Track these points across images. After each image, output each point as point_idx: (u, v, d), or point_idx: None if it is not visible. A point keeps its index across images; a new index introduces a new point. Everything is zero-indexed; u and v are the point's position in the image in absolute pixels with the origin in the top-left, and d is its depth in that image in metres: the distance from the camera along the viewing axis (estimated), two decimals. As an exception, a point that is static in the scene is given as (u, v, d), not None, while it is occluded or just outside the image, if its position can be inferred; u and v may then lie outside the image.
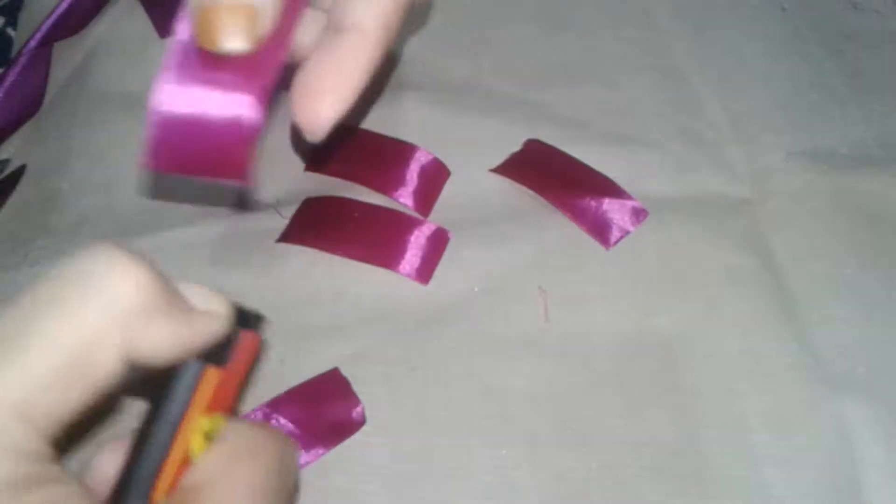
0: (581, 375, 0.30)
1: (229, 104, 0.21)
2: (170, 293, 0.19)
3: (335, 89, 0.23)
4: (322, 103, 0.23)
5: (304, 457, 0.28)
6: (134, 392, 0.29)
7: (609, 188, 0.34)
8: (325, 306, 0.31)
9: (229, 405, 0.22)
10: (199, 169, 0.22)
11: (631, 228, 0.33)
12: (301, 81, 0.24)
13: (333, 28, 0.24)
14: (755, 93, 0.38)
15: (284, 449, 0.21)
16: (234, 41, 0.22)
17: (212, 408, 0.21)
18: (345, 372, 0.30)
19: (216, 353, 0.21)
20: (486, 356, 0.30)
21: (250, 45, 0.22)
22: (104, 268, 0.18)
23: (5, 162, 0.37)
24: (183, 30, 0.23)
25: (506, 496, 0.27)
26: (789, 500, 0.27)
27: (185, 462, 0.20)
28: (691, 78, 0.39)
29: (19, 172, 0.36)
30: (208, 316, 0.20)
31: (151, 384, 0.21)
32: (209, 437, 0.21)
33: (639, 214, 0.33)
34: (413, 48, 0.40)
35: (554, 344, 0.31)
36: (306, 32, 0.25)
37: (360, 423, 0.29)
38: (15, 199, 0.36)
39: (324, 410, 0.29)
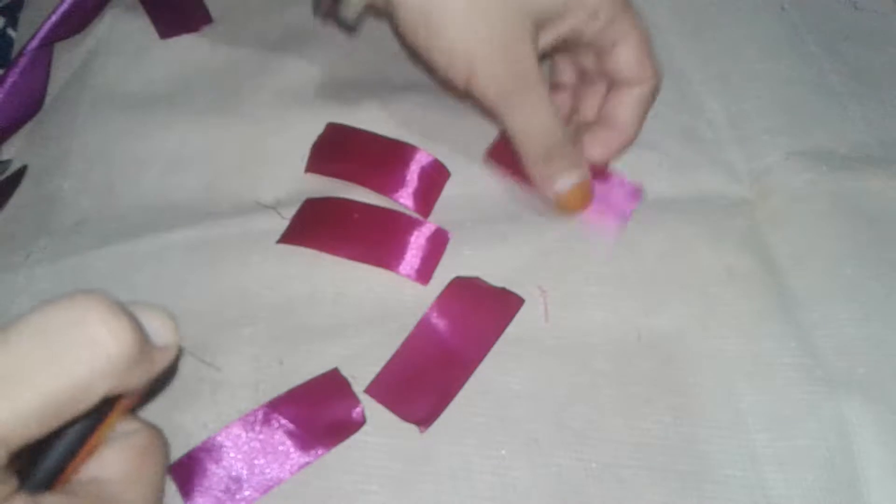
0: (581, 375, 0.30)
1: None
2: (143, 340, 0.21)
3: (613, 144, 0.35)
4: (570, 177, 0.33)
5: (303, 457, 0.28)
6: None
7: (602, 172, 0.35)
8: (325, 306, 0.31)
9: (138, 399, 0.24)
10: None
11: (630, 210, 0.34)
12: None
13: (602, 120, 0.35)
14: (755, 93, 0.38)
15: (166, 446, 0.25)
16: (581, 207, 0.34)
17: (131, 404, 0.23)
18: (345, 372, 0.30)
19: None
20: (486, 356, 0.30)
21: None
22: (93, 323, 0.20)
23: (7, 163, 0.37)
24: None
25: (506, 496, 0.27)
26: (789, 500, 0.27)
27: (97, 447, 0.22)
28: (691, 78, 0.39)
29: (20, 173, 0.36)
30: (165, 350, 0.22)
31: None
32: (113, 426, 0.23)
33: (636, 195, 0.34)
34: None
35: (554, 344, 0.31)
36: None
37: (360, 423, 0.29)
38: (16, 199, 0.36)
39: (324, 410, 0.29)
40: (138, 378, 0.21)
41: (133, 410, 0.25)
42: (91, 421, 0.22)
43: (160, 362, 0.22)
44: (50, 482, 0.21)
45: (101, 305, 0.20)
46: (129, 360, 0.20)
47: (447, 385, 0.29)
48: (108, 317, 0.20)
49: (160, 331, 0.22)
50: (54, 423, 0.19)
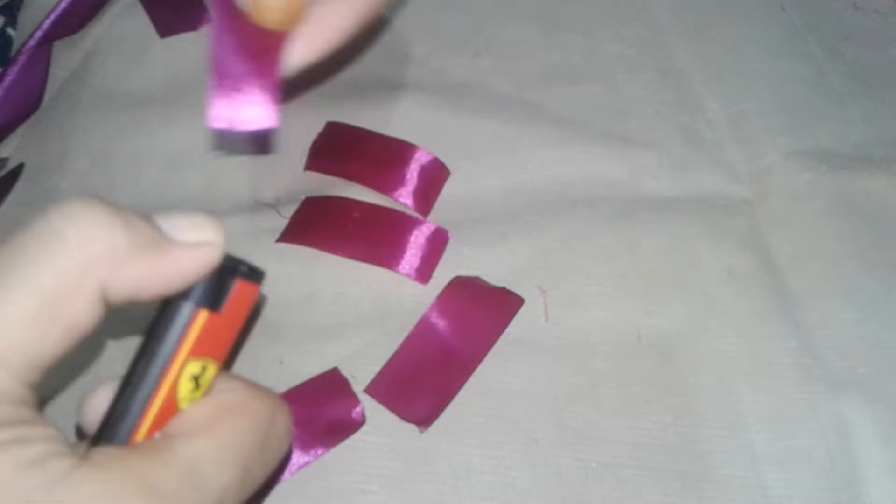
0: (581, 375, 0.30)
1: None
2: (144, 230, 0.19)
3: (313, 41, 0.29)
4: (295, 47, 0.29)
5: (303, 457, 0.28)
6: (118, 335, 0.30)
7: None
8: (325, 306, 0.31)
9: (222, 354, 0.22)
10: None
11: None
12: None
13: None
14: (755, 93, 0.38)
15: (274, 414, 0.21)
16: (274, 17, 0.28)
17: (203, 353, 0.21)
18: (344, 372, 0.30)
19: (211, 297, 0.21)
20: (486, 356, 0.30)
21: (287, 23, 0.28)
22: (71, 218, 0.18)
23: (4, 160, 0.37)
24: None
25: (506, 496, 0.27)
26: (789, 500, 0.27)
27: (172, 404, 0.20)
28: (691, 78, 0.39)
29: (17, 171, 0.36)
30: (192, 247, 0.20)
31: (143, 324, 0.21)
32: (198, 383, 0.21)
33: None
34: (413, 48, 0.40)
35: (554, 344, 0.31)
36: None
37: (360, 423, 0.29)
38: (14, 198, 0.36)
39: (323, 410, 0.29)
40: (146, 271, 0.19)
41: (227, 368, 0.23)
42: (158, 371, 0.20)
43: (185, 260, 0.20)
44: (124, 439, 0.20)
45: (78, 201, 0.19)
46: (118, 248, 0.19)
47: (447, 385, 0.29)
48: (85, 207, 0.19)
49: (185, 227, 0.20)
50: (57, 330, 0.18)
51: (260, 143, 0.31)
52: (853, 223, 0.33)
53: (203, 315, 0.20)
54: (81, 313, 0.18)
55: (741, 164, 0.36)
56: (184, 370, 0.20)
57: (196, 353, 0.21)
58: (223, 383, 0.21)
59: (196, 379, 0.21)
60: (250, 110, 0.29)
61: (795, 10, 0.41)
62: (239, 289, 0.21)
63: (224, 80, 0.28)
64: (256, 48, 0.29)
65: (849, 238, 0.33)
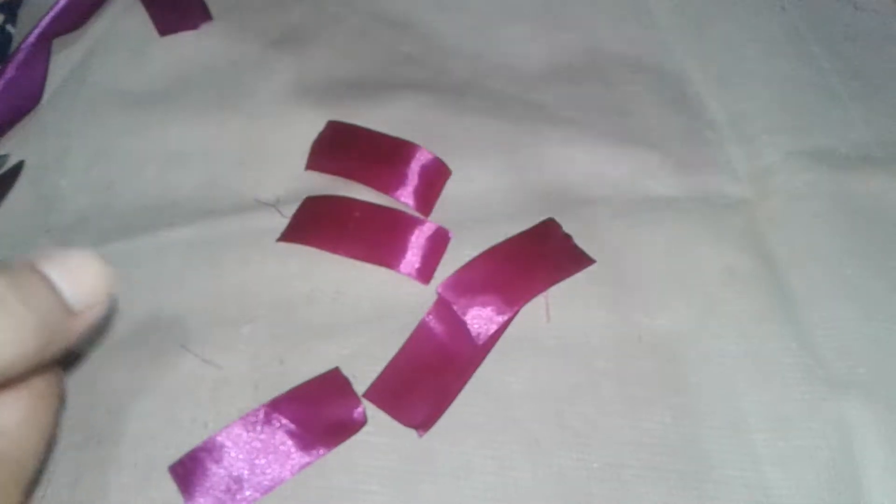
0: (581, 375, 0.30)
1: None
2: (50, 323, 0.18)
3: None
4: None
5: (305, 457, 0.28)
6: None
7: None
8: (325, 306, 0.31)
9: None
10: None
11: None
12: None
13: None
14: (755, 93, 0.38)
15: (62, 387, 0.22)
16: None
17: None
18: (345, 372, 0.30)
19: None
20: (487, 356, 0.30)
21: None
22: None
23: (4, 157, 0.37)
24: None
25: (506, 496, 0.27)
26: (790, 500, 0.27)
27: None
28: (691, 78, 0.39)
29: (17, 168, 0.36)
30: (88, 311, 0.19)
31: None
32: None
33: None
34: (413, 48, 0.40)
35: (554, 344, 0.31)
36: None
37: (361, 423, 0.28)
38: (13, 197, 0.36)
39: (324, 410, 0.29)
40: (50, 356, 0.18)
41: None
42: None
43: (81, 326, 0.19)
44: None
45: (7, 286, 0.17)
46: (29, 357, 0.17)
47: (446, 388, 0.29)
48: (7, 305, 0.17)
49: (84, 289, 0.19)
50: None
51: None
52: (853, 223, 0.33)
53: None
54: None
55: (741, 164, 0.36)
56: None
57: None
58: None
59: None
60: None
61: (795, 10, 0.41)
62: None
63: None
64: None
65: (849, 238, 0.33)
